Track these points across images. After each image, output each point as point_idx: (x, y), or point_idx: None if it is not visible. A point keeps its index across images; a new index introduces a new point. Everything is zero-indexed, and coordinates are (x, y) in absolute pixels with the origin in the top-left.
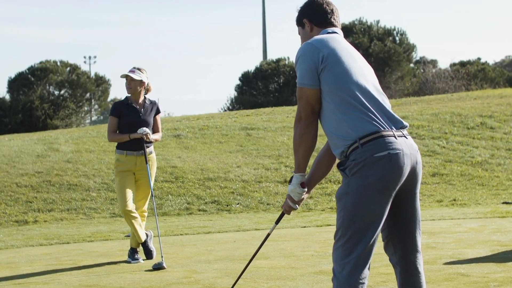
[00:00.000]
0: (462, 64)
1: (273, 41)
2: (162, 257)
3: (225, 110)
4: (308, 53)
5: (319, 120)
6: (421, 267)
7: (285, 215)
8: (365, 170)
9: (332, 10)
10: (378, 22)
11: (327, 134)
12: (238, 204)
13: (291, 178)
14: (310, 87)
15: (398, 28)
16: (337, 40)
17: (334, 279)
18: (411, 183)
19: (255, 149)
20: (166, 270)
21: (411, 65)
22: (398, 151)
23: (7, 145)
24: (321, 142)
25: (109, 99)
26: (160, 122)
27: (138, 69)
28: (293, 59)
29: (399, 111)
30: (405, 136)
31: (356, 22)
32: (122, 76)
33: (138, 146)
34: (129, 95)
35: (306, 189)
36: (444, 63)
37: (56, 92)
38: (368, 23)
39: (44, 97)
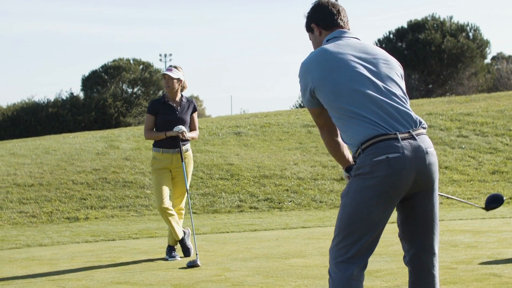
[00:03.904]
0: None
1: None
2: (197, 255)
3: (296, 107)
4: (301, 76)
5: None
6: (434, 268)
7: None
8: (366, 173)
9: (338, 10)
10: (451, 18)
11: None
12: (290, 201)
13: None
14: (309, 107)
15: (471, 24)
16: (336, 47)
17: (329, 279)
18: (421, 185)
19: (314, 146)
20: (200, 268)
21: (485, 61)
22: (397, 155)
23: (70, 143)
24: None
25: None
26: (197, 120)
27: (175, 67)
28: None
29: (465, 108)
30: (413, 137)
31: (429, 18)
32: (160, 75)
33: (174, 144)
34: (167, 93)
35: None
36: None
37: (129, 90)
38: (441, 19)
39: (117, 94)
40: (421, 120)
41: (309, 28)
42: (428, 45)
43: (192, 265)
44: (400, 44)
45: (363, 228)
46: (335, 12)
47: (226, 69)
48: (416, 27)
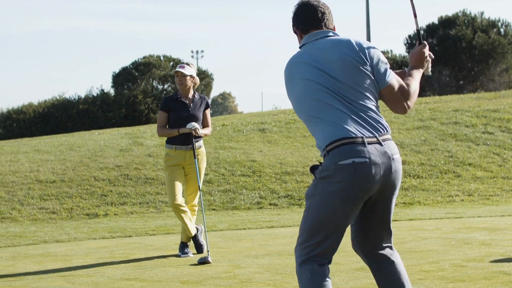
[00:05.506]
0: None
1: (376, 35)
2: (208, 251)
3: None
4: None
5: None
6: (393, 256)
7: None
8: (330, 177)
9: (314, 11)
10: (482, 13)
11: None
12: None
13: None
14: None
15: (502, 20)
16: (300, 56)
17: (298, 280)
18: (384, 191)
19: None
20: (211, 265)
21: None
22: (364, 160)
23: (94, 140)
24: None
25: (211, 94)
26: (209, 116)
27: (187, 64)
28: (396, 51)
29: (492, 104)
30: (379, 143)
31: (459, 14)
32: (173, 73)
33: (187, 140)
34: (179, 90)
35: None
36: None
37: (160, 87)
38: (472, 15)
39: (147, 91)
40: (387, 126)
41: (294, 31)
42: (459, 41)
43: (203, 261)
44: (431, 40)
45: (327, 231)
46: (310, 14)
47: (259, 65)
48: (447, 23)
